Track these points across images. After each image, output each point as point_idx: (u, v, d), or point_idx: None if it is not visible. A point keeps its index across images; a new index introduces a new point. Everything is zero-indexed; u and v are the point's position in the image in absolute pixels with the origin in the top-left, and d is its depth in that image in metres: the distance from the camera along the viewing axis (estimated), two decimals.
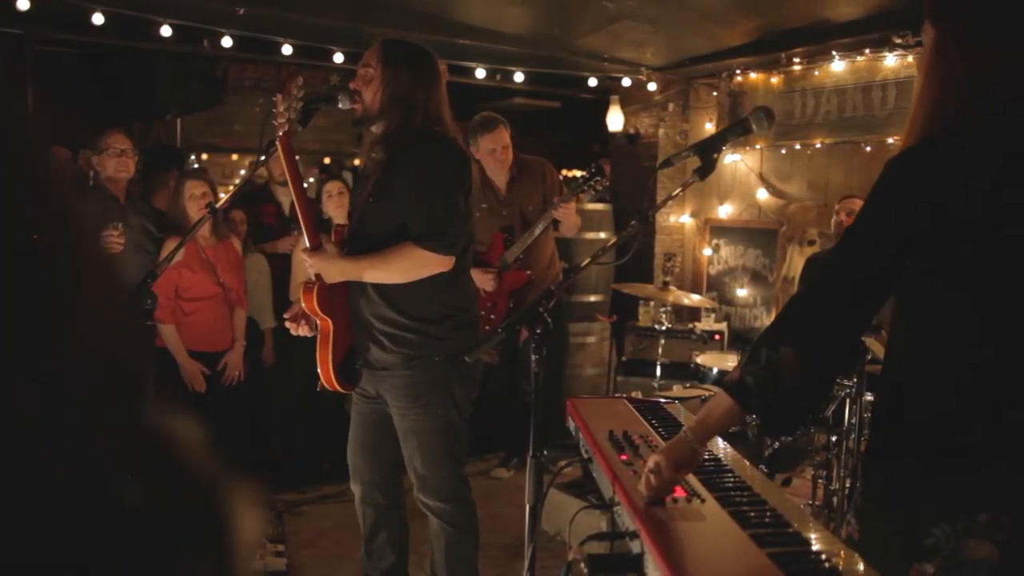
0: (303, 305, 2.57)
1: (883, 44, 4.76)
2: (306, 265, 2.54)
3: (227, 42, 4.93)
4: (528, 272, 4.33)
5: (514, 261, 4.33)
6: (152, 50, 5.09)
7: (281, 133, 2.45)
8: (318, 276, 2.56)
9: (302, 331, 2.66)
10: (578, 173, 8.23)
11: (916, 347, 1.49)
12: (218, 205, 2.78)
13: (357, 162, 7.43)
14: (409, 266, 2.47)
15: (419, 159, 2.49)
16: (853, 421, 3.32)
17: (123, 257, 3.65)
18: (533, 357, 1.79)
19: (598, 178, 4.01)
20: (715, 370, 4.30)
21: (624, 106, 6.35)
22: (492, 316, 4.29)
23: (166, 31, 4.66)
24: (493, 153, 4.32)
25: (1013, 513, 1.35)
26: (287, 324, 2.69)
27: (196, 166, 6.70)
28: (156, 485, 0.44)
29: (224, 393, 4.02)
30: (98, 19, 4.41)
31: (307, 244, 2.55)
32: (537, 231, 4.25)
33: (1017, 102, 1.39)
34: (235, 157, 7.49)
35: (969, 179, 1.37)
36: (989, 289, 1.39)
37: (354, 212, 2.70)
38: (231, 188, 6.19)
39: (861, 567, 1.30)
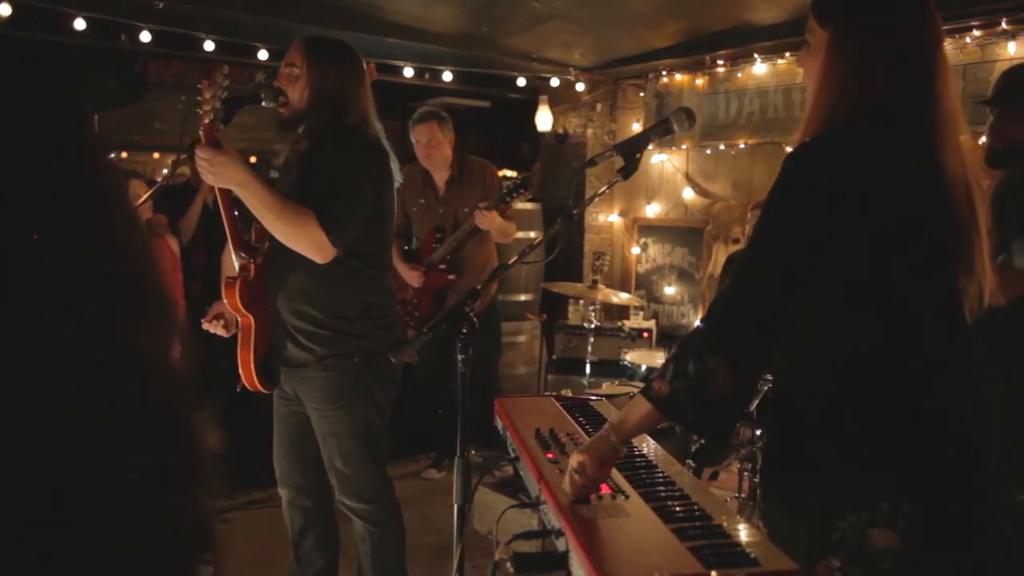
0: (224, 301, 2.51)
1: (802, 47, 4.90)
2: (199, 161, 2.32)
3: (145, 37, 4.78)
4: (450, 276, 4.34)
5: (440, 262, 4.34)
6: (65, 44, 4.89)
7: (207, 121, 2.36)
8: (242, 269, 2.50)
9: (218, 331, 2.60)
10: (509, 173, 8.26)
11: (814, 342, 1.53)
12: (137, 204, 2.68)
13: (281, 160, 7.28)
14: (295, 230, 2.36)
15: (336, 154, 2.45)
16: (766, 420, 3.40)
17: None
18: (459, 357, 1.79)
19: (522, 190, 4.10)
20: (644, 367, 4.36)
21: (553, 106, 6.38)
22: (416, 314, 4.33)
23: (80, 24, 4.49)
24: (418, 146, 4.37)
25: (912, 500, 1.40)
26: (204, 325, 2.63)
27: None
28: None
29: None
30: (5, 10, 4.22)
31: (231, 247, 2.49)
32: (461, 235, 4.28)
33: (903, 105, 1.47)
34: (156, 156, 7.26)
35: (866, 176, 1.43)
36: (876, 282, 1.45)
37: None
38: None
39: (778, 556, 1.33)
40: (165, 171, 6.79)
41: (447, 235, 4.38)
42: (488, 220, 4.15)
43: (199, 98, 2.36)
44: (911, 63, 1.47)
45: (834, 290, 1.47)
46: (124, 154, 7.07)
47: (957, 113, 1.49)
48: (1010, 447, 2.37)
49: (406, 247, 4.51)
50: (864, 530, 1.40)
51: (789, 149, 1.57)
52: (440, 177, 4.45)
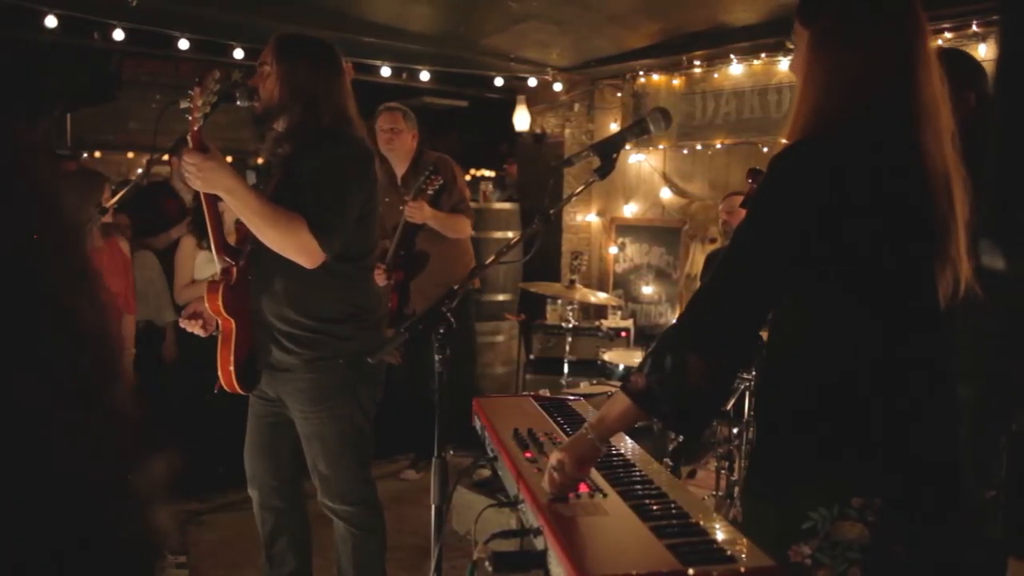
0: (206, 305, 2.48)
1: (778, 49, 4.95)
2: (186, 167, 2.29)
3: (119, 35, 4.73)
4: (400, 273, 4.36)
5: (394, 259, 4.34)
6: (37, 40, 4.82)
7: (196, 128, 2.33)
8: (224, 273, 2.48)
9: (196, 330, 2.58)
10: (487, 173, 8.27)
11: (796, 339, 1.56)
12: (108, 204, 2.65)
13: (260, 160, 7.23)
14: (286, 236, 2.34)
15: (323, 157, 2.44)
16: (753, 413, 3.43)
17: None
18: (437, 357, 1.78)
19: (431, 178, 4.12)
20: (621, 366, 4.38)
21: (530, 106, 6.39)
22: (392, 305, 4.37)
23: (51, 22, 4.43)
24: (380, 133, 4.40)
25: (885, 497, 1.44)
26: (182, 323, 2.61)
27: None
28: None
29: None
30: None
31: (214, 253, 2.48)
32: (401, 231, 4.29)
33: (882, 99, 1.49)
34: (131, 155, 7.19)
35: (848, 172, 1.45)
36: (865, 281, 1.48)
37: None
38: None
39: (755, 553, 1.34)
40: (140, 171, 6.73)
41: None
42: (416, 211, 4.12)
43: (189, 104, 2.33)
44: (890, 57, 1.49)
45: (817, 287, 1.50)
46: (98, 153, 6.99)
47: (937, 103, 1.49)
48: (972, 449, 2.41)
49: (386, 244, 4.51)
50: (834, 522, 1.45)
51: (765, 149, 1.60)
52: (400, 174, 4.48)
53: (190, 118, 2.33)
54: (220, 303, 2.46)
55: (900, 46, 1.49)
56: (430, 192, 4.18)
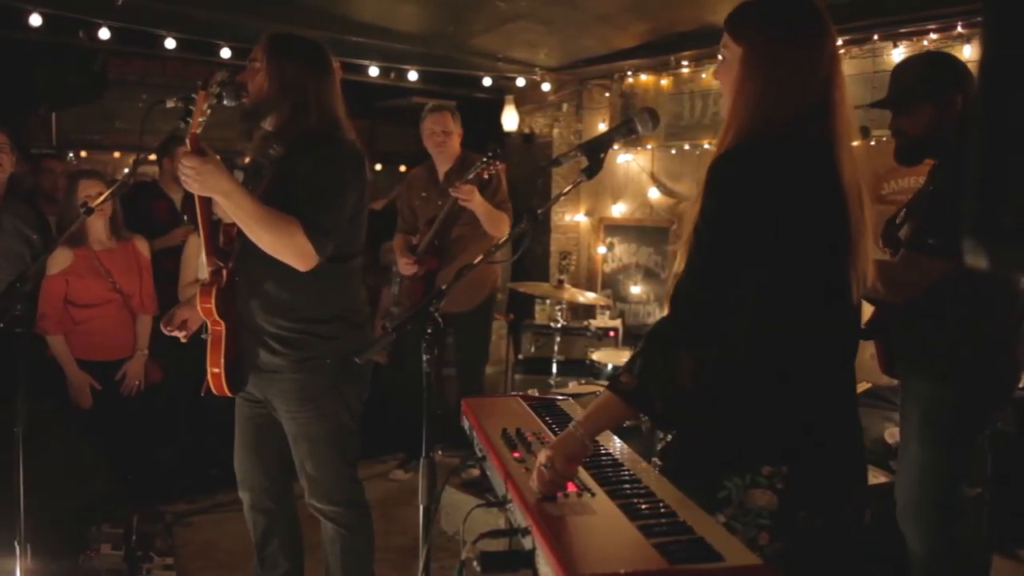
0: (199, 307, 2.46)
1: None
2: (184, 169, 2.28)
3: (104, 34, 4.70)
4: (431, 259, 4.36)
5: (428, 248, 4.34)
6: (21, 39, 4.78)
7: (198, 131, 2.30)
8: (213, 275, 2.46)
9: (178, 335, 2.57)
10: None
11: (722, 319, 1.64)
12: (94, 205, 2.64)
13: (248, 159, 7.19)
14: (282, 239, 2.33)
15: (317, 159, 2.42)
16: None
17: None
18: (424, 357, 1.78)
19: (488, 164, 4.11)
20: (610, 366, 4.39)
21: (519, 106, 6.39)
22: (405, 303, 4.40)
23: (35, 20, 4.39)
24: (432, 135, 4.44)
25: (791, 465, 1.57)
26: (163, 328, 2.60)
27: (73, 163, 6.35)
28: None
29: (122, 404, 3.83)
30: None
31: (203, 257, 2.47)
32: (443, 217, 4.30)
33: (805, 118, 1.59)
34: (117, 155, 7.13)
35: (782, 179, 1.56)
36: (792, 275, 1.59)
37: None
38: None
39: (743, 551, 1.35)
40: (127, 170, 6.68)
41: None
42: (469, 193, 4.07)
43: (191, 107, 2.30)
44: (815, 77, 1.60)
45: (749, 279, 1.59)
46: (84, 153, 6.94)
47: (851, 122, 1.65)
48: (954, 447, 2.43)
49: (413, 240, 4.52)
50: (747, 490, 1.57)
51: None
52: (443, 171, 4.50)
53: (191, 121, 2.30)
54: (213, 305, 2.45)
55: (823, 66, 1.60)
56: (485, 176, 4.18)
